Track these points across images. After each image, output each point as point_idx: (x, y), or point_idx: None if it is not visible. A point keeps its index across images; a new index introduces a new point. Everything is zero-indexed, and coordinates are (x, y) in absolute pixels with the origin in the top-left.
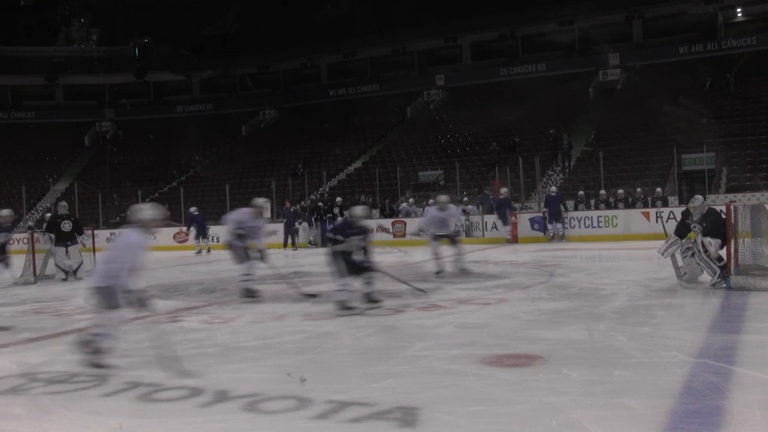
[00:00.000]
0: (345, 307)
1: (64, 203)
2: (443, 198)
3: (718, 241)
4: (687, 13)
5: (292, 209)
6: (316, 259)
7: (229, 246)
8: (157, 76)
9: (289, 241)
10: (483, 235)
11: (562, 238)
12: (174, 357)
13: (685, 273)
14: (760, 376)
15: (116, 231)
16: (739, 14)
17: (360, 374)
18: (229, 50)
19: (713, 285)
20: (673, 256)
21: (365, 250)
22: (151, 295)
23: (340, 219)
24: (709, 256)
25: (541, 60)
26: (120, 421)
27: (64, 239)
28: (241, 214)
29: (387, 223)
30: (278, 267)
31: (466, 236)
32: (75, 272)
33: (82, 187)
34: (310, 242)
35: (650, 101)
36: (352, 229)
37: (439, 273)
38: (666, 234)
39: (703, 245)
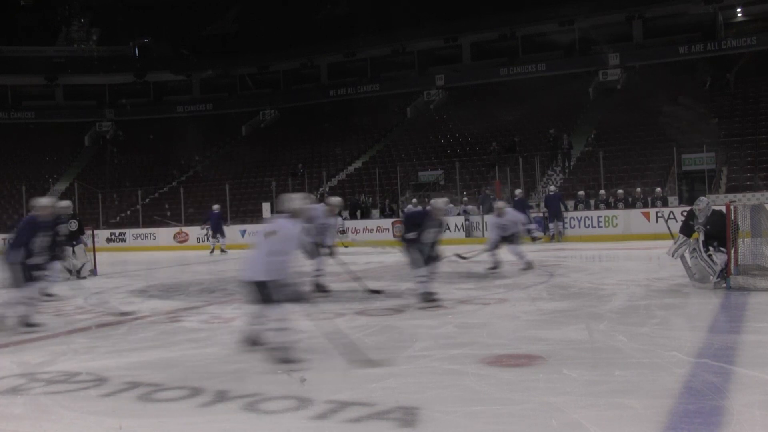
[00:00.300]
0: (428, 299)
1: (68, 203)
2: (500, 204)
3: (724, 256)
4: (687, 13)
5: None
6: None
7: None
8: (157, 76)
9: None
10: (483, 235)
11: (560, 236)
12: (354, 347)
13: (696, 273)
14: (760, 376)
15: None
16: (739, 14)
17: (360, 374)
18: (229, 50)
19: (713, 285)
20: (683, 257)
21: (435, 243)
22: (306, 288)
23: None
24: (710, 257)
25: (541, 60)
26: (120, 421)
27: (70, 238)
28: (315, 209)
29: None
30: (347, 263)
31: (466, 236)
32: (78, 272)
33: (82, 187)
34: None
35: (650, 101)
36: (431, 220)
37: (493, 269)
38: (672, 234)
39: (705, 246)
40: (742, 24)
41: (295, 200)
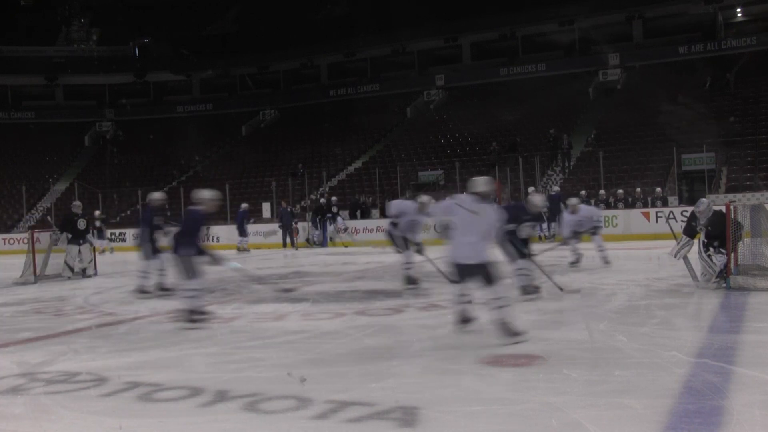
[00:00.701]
0: (530, 292)
1: (78, 203)
2: (573, 201)
3: (723, 257)
4: (687, 13)
5: (288, 209)
6: (315, 259)
7: (388, 234)
8: (157, 76)
9: (288, 240)
10: None
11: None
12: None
13: (705, 274)
14: (760, 376)
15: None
16: (739, 14)
17: (360, 374)
18: (229, 50)
19: (714, 285)
20: (685, 258)
21: (529, 239)
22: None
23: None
24: (709, 257)
25: (541, 60)
26: (120, 421)
27: (79, 237)
28: (406, 205)
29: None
30: (435, 260)
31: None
32: (84, 270)
33: (82, 187)
34: (307, 240)
35: (650, 101)
36: (526, 214)
37: (574, 263)
38: (675, 234)
39: (705, 247)
40: (742, 24)
41: (481, 183)
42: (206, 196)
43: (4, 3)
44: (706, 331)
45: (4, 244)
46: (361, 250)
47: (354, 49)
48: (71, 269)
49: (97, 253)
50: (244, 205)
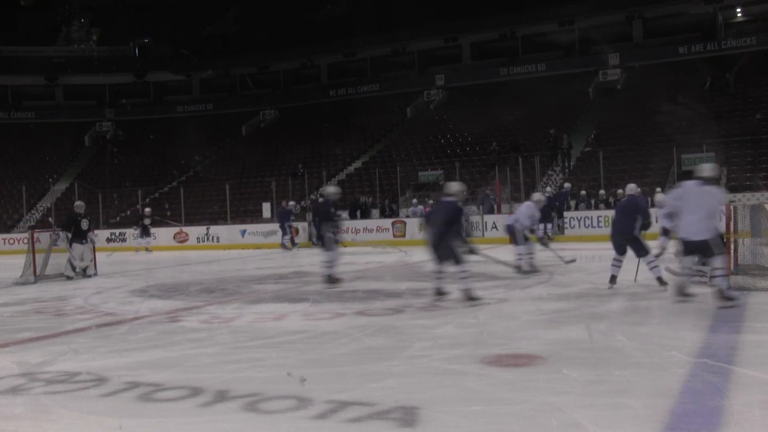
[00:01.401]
0: (662, 283)
1: (81, 203)
2: (660, 197)
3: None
4: (687, 13)
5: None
6: (315, 259)
7: (509, 229)
8: (157, 76)
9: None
10: (483, 235)
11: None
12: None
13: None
14: (760, 376)
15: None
16: (739, 14)
17: (360, 374)
18: (229, 50)
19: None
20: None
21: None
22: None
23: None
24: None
25: (541, 60)
26: (120, 421)
27: (82, 237)
28: (528, 207)
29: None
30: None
31: (466, 236)
32: (85, 270)
33: (82, 187)
34: (312, 241)
35: (650, 101)
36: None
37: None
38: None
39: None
40: (742, 24)
41: (707, 169)
42: (457, 188)
43: (4, 3)
44: (706, 331)
45: (4, 244)
46: (362, 250)
47: (354, 49)
48: (74, 269)
49: (139, 251)
50: (284, 203)
